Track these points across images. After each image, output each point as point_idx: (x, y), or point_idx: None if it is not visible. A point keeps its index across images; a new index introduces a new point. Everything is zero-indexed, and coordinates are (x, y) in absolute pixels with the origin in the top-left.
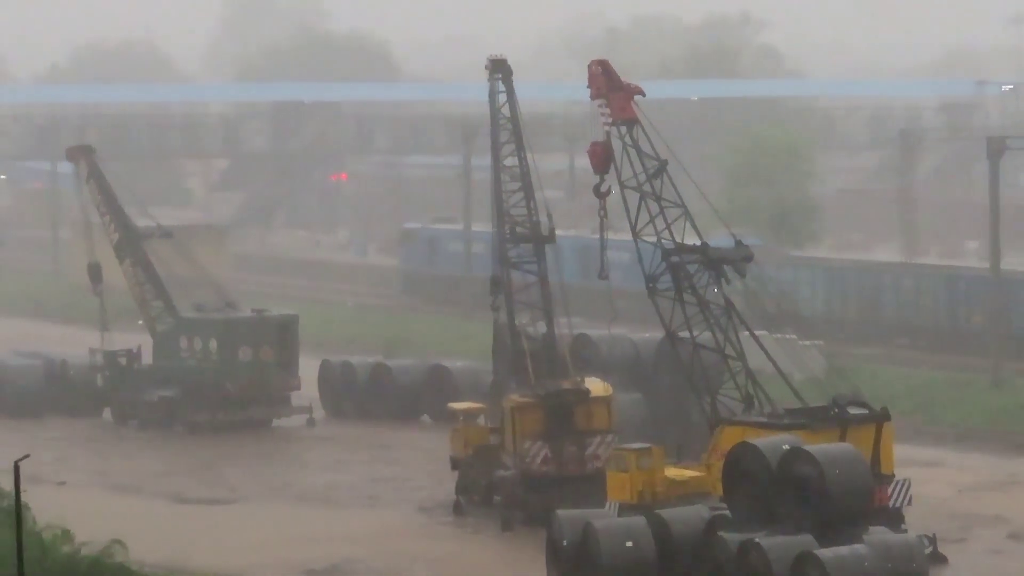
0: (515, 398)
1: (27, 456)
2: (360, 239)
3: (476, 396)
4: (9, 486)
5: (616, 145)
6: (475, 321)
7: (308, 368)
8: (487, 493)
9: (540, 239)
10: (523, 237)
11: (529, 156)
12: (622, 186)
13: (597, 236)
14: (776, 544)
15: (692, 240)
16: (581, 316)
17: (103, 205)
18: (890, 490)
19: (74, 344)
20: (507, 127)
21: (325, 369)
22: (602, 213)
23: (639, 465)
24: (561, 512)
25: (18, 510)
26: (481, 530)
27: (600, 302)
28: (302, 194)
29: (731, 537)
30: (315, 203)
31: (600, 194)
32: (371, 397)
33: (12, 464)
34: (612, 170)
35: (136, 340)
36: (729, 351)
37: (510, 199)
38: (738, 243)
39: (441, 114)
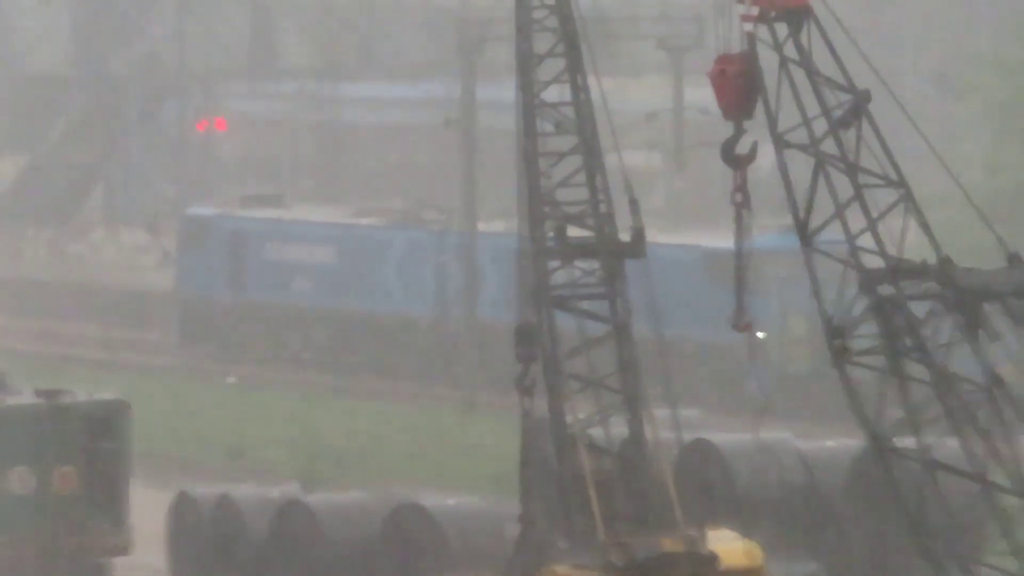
0: (563, 572)
1: None
2: None
3: (484, 566)
4: None
5: (767, 63)
6: (476, 417)
7: (148, 509)
8: None
9: (615, 250)
10: (580, 247)
11: (594, 83)
12: (780, 143)
13: (729, 243)
14: None
15: (915, 252)
16: (697, 404)
17: None
18: None
19: None
20: (548, 25)
21: (183, 511)
22: (739, 198)
23: None
24: None
25: None
26: None
27: (735, 378)
28: (139, 160)
29: None
30: (164, 177)
31: (736, 160)
32: (277, 567)
33: None
34: (760, 111)
35: None
36: (999, 476)
37: (554, 170)
38: (1014, 258)
39: (418, 1)
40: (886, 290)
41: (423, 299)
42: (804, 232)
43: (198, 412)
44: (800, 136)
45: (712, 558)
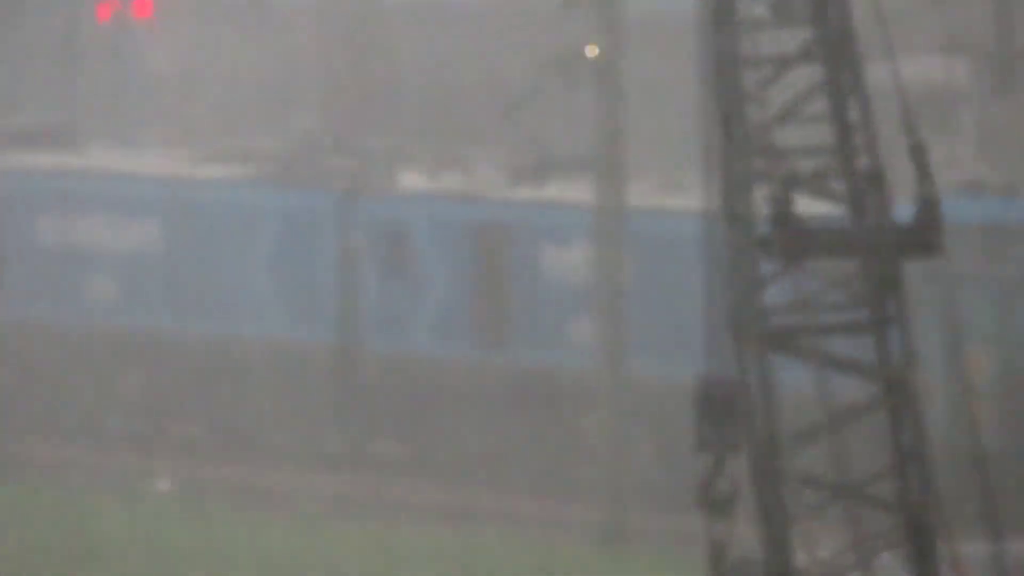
0: None
1: None
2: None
3: None
4: None
5: None
6: (621, 555)
7: None
8: None
9: (887, 240)
10: (821, 235)
11: None
12: None
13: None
14: None
15: None
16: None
17: None
18: None
19: None
20: None
21: None
22: None
23: None
24: None
25: None
26: None
27: None
28: None
29: None
30: (38, 104)
31: None
32: None
33: None
34: None
35: None
36: None
37: (771, 92)
38: None
39: None
40: None
41: (317, 316)
42: None
43: (100, 548)
44: None
45: None
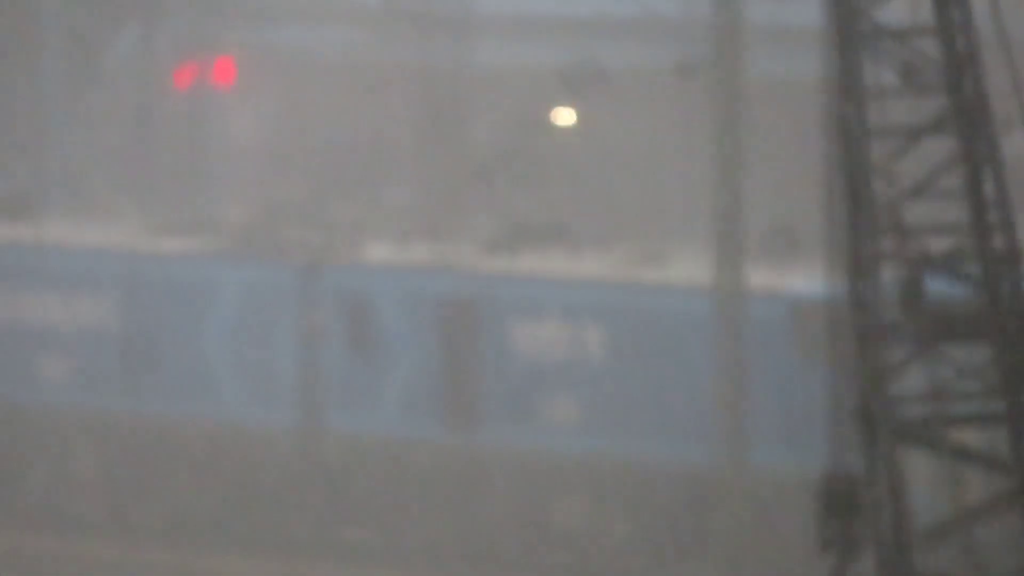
0: None
1: None
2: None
3: None
4: None
5: None
6: None
7: None
8: None
9: None
10: (954, 320)
11: None
12: None
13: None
14: None
15: None
16: None
17: None
18: None
19: None
20: None
21: None
22: None
23: None
24: None
25: None
26: None
27: None
28: (64, 142)
29: None
30: (111, 177)
31: None
32: None
33: None
34: None
35: None
36: None
37: (901, 164)
38: None
39: None
40: None
41: (278, 396)
42: None
43: None
44: None
45: None
